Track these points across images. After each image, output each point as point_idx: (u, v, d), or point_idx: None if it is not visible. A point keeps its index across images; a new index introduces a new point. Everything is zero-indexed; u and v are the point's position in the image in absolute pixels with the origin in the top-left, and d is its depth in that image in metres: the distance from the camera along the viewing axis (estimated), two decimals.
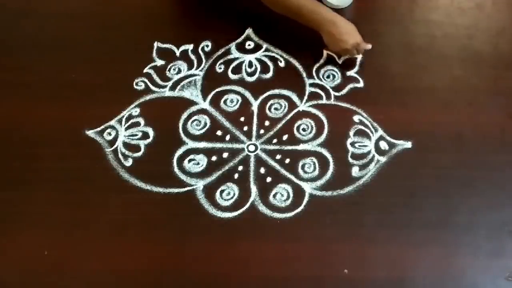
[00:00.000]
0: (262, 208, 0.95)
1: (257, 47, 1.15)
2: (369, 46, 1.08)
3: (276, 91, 1.08)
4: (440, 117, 1.05)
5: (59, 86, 1.10)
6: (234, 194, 0.97)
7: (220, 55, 1.14)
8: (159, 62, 1.13)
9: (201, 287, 0.89)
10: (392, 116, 1.05)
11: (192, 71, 1.12)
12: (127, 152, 1.02)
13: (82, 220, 0.95)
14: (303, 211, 0.95)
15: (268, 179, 0.98)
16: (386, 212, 0.95)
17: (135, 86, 1.10)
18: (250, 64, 1.13)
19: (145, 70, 1.12)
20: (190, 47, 1.15)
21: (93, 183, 0.98)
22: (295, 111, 1.06)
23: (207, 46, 1.15)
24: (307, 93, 1.08)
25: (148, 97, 1.08)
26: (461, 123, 1.04)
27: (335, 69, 1.12)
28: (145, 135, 1.04)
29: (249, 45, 1.15)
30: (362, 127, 1.04)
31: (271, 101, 1.08)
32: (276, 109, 1.07)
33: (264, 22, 1.17)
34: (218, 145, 1.03)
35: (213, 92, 1.09)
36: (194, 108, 1.07)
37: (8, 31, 1.20)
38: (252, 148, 1.02)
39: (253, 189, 0.97)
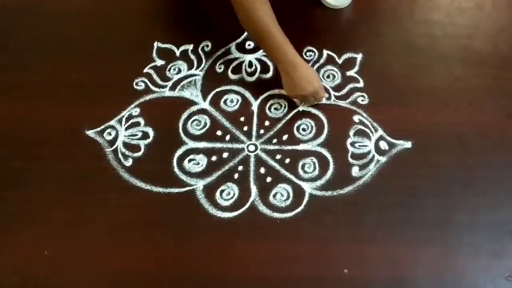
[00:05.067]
0: (262, 208, 0.95)
1: (257, 47, 1.14)
2: (326, 95, 1.06)
3: (276, 91, 1.08)
4: (440, 117, 1.05)
5: (59, 86, 1.10)
6: (234, 194, 0.97)
7: (220, 55, 1.14)
8: (159, 62, 1.13)
9: (201, 286, 0.89)
10: (392, 116, 1.05)
11: (192, 71, 1.12)
12: (127, 152, 1.02)
13: (82, 220, 0.95)
14: (303, 211, 0.95)
15: (268, 179, 0.99)
16: (386, 212, 0.95)
17: (135, 86, 1.10)
18: (250, 64, 1.13)
19: (145, 70, 1.12)
20: (190, 47, 1.15)
21: (93, 183, 0.98)
22: (295, 111, 1.07)
23: (207, 46, 1.15)
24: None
25: (148, 97, 1.08)
26: (461, 123, 1.04)
27: (335, 69, 1.12)
28: (145, 135, 1.04)
29: (249, 45, 1.15)
30: (362, 127, 1.04)
31: (271, 101, 1.08)
32: (276, 109, 1.07)
33: None
34: (218, 145, 1.03)
35: (213, 92, 1.09)
36: (194, 108, 1.07)
37: (8, 31, 1.20)
38: (252, 148, 1.02)
39: (253, 189, 0.97)
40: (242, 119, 1.06)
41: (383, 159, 1.00)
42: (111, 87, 1.10)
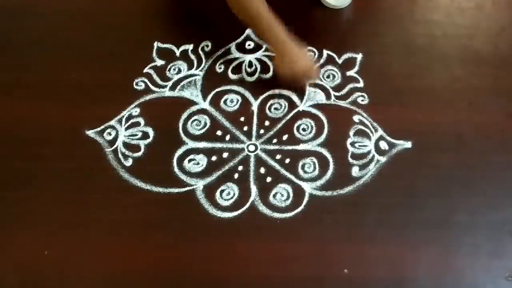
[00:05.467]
0: (262, 208, 0.95)
1: (257, 47, 1.15)
2: (318, 73, 1.08)
3: (276, 91, 1.08)
4: (440, 117, 1.05)
5: (59, 86, 1.10)
6: (234, 194, 0.97)
7: (220, 55, 1.14)
8: (159, 62, 1.13)
9: (201, 286, 0.89)
10: (392, 116, 1.05)
11: (192, 71, 1.12)
12: (127, 152, 1.02)
13: (82, 220, 0.95)
14: (303, 211, 0.95)
15: (268, 179, 0.98)
16: (386, 212, 0.95)
17: (135, 86, 1.10)
18: (250, 64, 1.13)
19: (145, 70, 1.12)
20: (190, 47, 1.15)
21: (93, 183, 0.98)
22: (295, 111, 1.07)
23: (207, 46, 1.15)
24: (307, 93, 1.09)
25: (148, 97, 1.08)
26: (461, 123, 1.04)
27: (335, 69, 1.12)
28: (145, 135, 1.04)
29: (249, 45, 1.15)
30: (362, 127, 1.04)
31: (271, 101, 1.08)
32: (276, 109, 1.07)
33: None
34: (218, 145, 1.03)
35: (213, 92, 1.09)
36: (194, 108, 1.07)
37: (8, 31, 1.20)
38: (252, 148, 1.02)
39: (253, 189, 0.97)
40: (242, 119, 1.06)
41: (383, 159, 1.00)
42: (111, 87, 1.10)
